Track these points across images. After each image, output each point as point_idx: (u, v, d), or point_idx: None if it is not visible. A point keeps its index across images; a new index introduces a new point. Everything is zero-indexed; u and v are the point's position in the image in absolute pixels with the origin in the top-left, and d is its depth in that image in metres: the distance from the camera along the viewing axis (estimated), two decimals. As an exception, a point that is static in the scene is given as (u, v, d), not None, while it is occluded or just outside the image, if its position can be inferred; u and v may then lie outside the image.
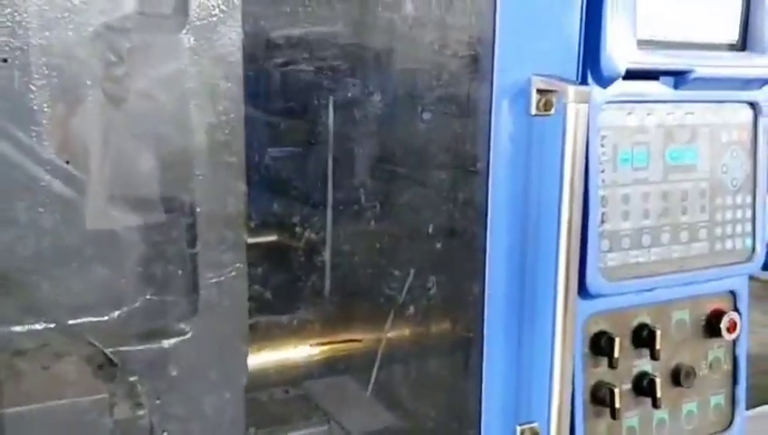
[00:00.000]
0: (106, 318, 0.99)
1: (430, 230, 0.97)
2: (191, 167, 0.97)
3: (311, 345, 1.15)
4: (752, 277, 1.96)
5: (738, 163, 1.17)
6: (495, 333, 1.00)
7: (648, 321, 1.13)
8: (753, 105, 1.17)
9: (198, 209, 0.99)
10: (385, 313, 0.97)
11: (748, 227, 1.19)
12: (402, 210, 0.99)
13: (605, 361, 1.10)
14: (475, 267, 0.98)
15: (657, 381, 1.13)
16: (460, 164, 0.95)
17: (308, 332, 1.11)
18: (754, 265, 1.20)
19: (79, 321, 0.97)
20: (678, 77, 1.08)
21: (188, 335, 0.99)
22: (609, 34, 0.99)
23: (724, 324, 1.18)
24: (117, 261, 0.99)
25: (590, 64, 1.01)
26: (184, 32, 0.94)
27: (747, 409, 1.26)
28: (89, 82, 0.91)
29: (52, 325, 0.95)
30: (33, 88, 0.89)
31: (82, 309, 0.96)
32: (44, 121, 0.91)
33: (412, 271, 0.96)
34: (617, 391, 1.10)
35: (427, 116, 0.93)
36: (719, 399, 1.23)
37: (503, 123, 0.95)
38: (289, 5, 0.95)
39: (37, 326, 0.95)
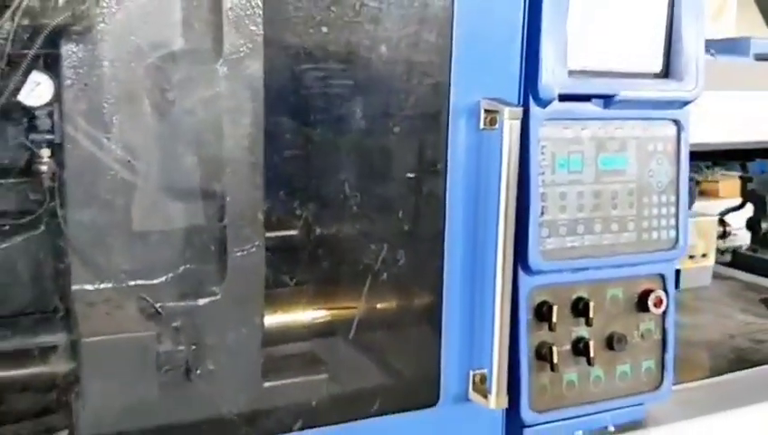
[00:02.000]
0: (155, 281, 1.31)
1: (400, 215, 1.27)
2: (223, 165, 1.28)
3: (314, 310, 1.44)
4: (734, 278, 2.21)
5: (663, 169, 1.44)
6: (453, 298, 1.29)
7: (585, 295, 1.41)
8: (676, 122, 1.44)
9: (228, 198, 1.29)
10: (364, 281, 1.28)
11: (672, 222, 1.45)
12: (378, 201, 1.29)
13: (546, 326, 1.38)
14: (437, 246, 1.27)
15: (591, 343, 1.40)
16: (425, 166, 1.25)
17: (311, 299, 1.41)
18: (678, 253, 1.46)
19: (135, 283, 1.28)
20: (606, 99, 1.35)
21: (218, 297, 1.29)
22: (543, 66, 1.28)
23: (651, 300, 1.45)
24: (165, 237, 1.30)
25: (531, 89, 1.30)
26: (219, 64, 1.24)
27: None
28: (148, 102, 1.23)
29: (115, 285, 1.26)
30: (106, 106, 1.21)
31: (138, 274, 1.28)
32: (114, 130, 1.23)
33: (385, 247, 1.26)
34: (555, 349, 1.37)
35: (397, 129, 1.23)
36: (650, 363, 1.49)
37: (458, 136, 1.25)
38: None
39: (104, 286, 1.26)
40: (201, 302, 1.29)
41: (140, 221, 1.28)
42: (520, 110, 1.19)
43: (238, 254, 1.28)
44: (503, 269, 1.23)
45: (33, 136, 1.25)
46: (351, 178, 1.24)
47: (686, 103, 1.42)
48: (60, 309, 1.26)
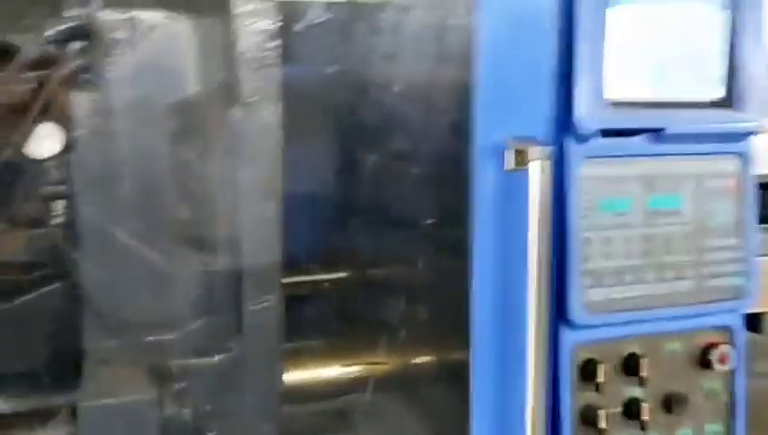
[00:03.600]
0: (171, 337, 1.25)
1: (420, 266, 1.16)
2: (239, 214, 1.21)
3: (341, 365, 1.35)
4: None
5: (725, 209, 1.28)
6: (483, 358, 1.17)
7: (637, 351, 1.26)
8: (739, 155, 1.29)
9: (244, 248, 1.22)
10: (381, 337, 1.18)
11: (738, 267, 1.29)
12: (398, 251, 1.19)
13: (593, 386, 1.24)
14: (463, 300, 1.16)
15: (644, 405, 1.25)
16: (447, 211, 1.14)
17: (328, 356, 1.32)
18: (745, 303, 1.30)
19: (149, 338, 1.22)
20: (654, 134, 1.22)
21: (233, 353, 1.22)
22: (578, 100, 1.16)
23: (714, 356, 1.29)
24: (180, 292, 1.24)
25: (567, 126, 1.18)
26: (236, 106, 1.18)
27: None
28: (161, 150, 1.19)
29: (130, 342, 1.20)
30: (118, 155, 1.17)
31: (153, 328, 1.22)
32: (126, 179, 1.18)
33: (404, 300, 1.16)
34: (601, 412, 1.23)
35: (416, 172, 1.13)
36: (717, 427, 1.33)
37: (484, 179, 1.14)
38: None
39: (117, 343, 1.21)
40: (216, 358, 1.21)
41: (155, 277, 1.23)
42: (548, 149, 1.08)
43: (252, 308, 1.20)
44: (536, 324, 1.11)
45: (44, 189, 1.21)
46: (364, 230, 1.14)
47: (749, 134, 1.26)
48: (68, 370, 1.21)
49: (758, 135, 1.26)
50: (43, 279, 1.22)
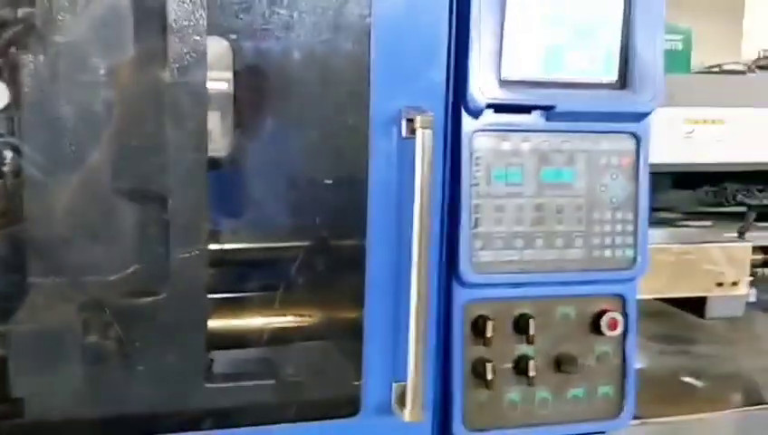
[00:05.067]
0: (110, 278, 1.37)
1: (319, 223, 1.28)
2: (168, 169, 1.33)
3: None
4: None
5: (619, 184, 1.38)
6: (375, 309, 1.29)
7: (528, 312, 1.36)
8: (633, 135, 1.38)
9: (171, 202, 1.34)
10: (285, 290, 1.30)
11: (629, 240, 1.39)
12: (301, 210, 1.31)
13: (483, 341, 1.35)
14: (358, 256, 1.27)
15: (532, 362, 1.35)
16: (347, 174, 1.26)
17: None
18: (635, 273, 1.39)
19: (90, 278, 1.35)
20: (547, 111, 1.32)
21: (162, 296, 1.35)
22: (473, 75, 1.26)
23: (604, 322, 1.39)
24: (114, 238, 1.37)
25: (462, 99, 1.28)
26: (165, 71, 1.29)
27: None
28: (99, 108, 1.31)
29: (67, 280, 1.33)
30: (61, 112, 1.29)
31: (94, 271, 1.35)
32: (67, 133, 1.31)
33: (304, 255, 1.28)
34: (489, 365, 1.34)
35: (317, 137, 1.25)
36: (607, 389, 1.42)
37: (379, 144, 1.25)
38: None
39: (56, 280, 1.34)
40: (145, 300, 1.34)
41: (93, 221, 1.36)
42: (431, 117, 1.18)
43: (180, 256, 1.32)
44: (417, 278, 1.21)
45: (-3, 139, 1.35)
46: (272, 184, 1.26)
47: (643, 116, 1.35)
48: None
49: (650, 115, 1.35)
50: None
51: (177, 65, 1.29)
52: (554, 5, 1.29)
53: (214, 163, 1.41)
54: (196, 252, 1.35)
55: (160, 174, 1.33)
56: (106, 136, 1.34)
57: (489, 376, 1.32)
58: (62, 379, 1.29)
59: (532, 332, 1.33)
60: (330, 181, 1.24)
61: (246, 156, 1.32)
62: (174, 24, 1.28)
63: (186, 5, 1.28)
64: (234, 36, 1.22)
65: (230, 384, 1.38)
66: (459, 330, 1.33)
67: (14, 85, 1.31)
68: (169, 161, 1.32)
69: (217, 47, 1.40)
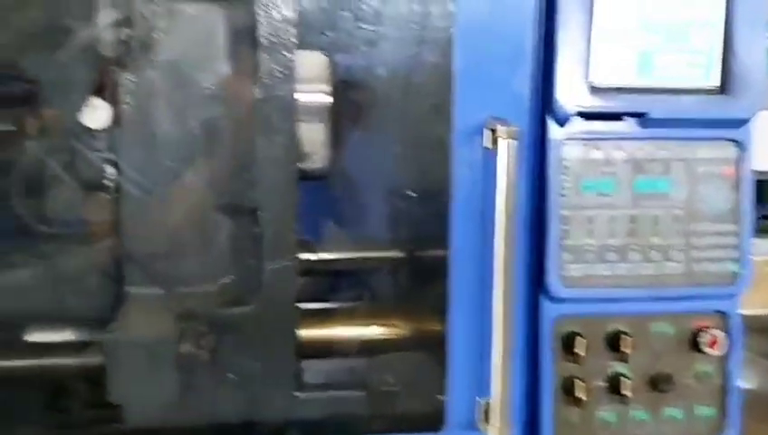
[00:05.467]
0: (204, 288, 1.42)
1: (402, 233, 1.28)
2: (260, 182, 1.37)
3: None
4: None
5: (720, 194, 1.31)
6: (459, 323, 1.27)
7: (622, 328, 1.31)
8: (735, 142, 1.30)
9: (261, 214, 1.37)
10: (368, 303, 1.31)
11: (731, 253, 1.31)
12: (387, 221, 1.31)
13: (575, 358, 1.30)
14: (441, 269, 1.26)
15: (626, 381, 1.30)
16: (428, 186, 1.25)
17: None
18: (737, 288, 1.32)
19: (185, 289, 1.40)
20: (641, 118, 1.26)
21: (252, 306, 1.38)
22: (559, 83, 1.23)
23: (704, 340, 1.32)
24: (209, 249, 1.41)
25: (548, 107, 1.25)
26: (256, 87, 1.33)
27: None
28: (196, 124, 1.36)
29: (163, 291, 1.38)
30: (159, 129, 1.35)
31: (188, 282, 1.39)
32: (165, 150, 1.36)
33: (389, 268, 1.28)
34: (580, 383, 1.29)
35: (400, 150, 1.25)
36: (708, 410, 1.35)
37: (463, 156, 1.24)
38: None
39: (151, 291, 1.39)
40: (237, 310, 1.37)
41: (188, 233, 1.40)
42: (515, 128, 1.15)
43: (271, 268, 1.35)
44: (501, 292, 1.19)
45: (99, 154, 1.42)
46: (362, 195, 1.27)
47: (745, 121, 1.28)
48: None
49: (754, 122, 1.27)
50: (95, 233, 1.43)
51: (267, 81, 1.32)
52: (647, 8, 1.24)
53: (310, 174, 1.44)
54: (286, 263, 1.36)
55: (252, 187, 1.36)
56: (200, 151, 1.38)
57: (580, 394, 1.27)
58: (156, 387, 1.33)
59: (626, 349, 1.28)
60: (415, 193, 1.23)
61: (341, 168, 1.32)
62: (264, 41, 1.31)
63: (275, 23, 1.30)
64: (326, 50, 1.23)
65: (320, 394, 1.39)
66: (548, 346, 1.29)
67: (114, 104, 1.37)
68: (260, 175, 1.35)
69: (315, 61, 1.43)
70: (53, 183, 1.45)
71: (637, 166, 1.27)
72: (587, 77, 1.23)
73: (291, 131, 1.36)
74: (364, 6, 1.20)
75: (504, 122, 1.17)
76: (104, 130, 1.39)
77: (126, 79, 1.34)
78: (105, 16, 1.35)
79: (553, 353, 1.29)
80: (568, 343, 1.29)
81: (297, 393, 1.39)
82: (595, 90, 1.23)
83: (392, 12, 1.19)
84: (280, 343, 1.38)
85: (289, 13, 1.29)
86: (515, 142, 1.15)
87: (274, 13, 1.30)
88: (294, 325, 1.39)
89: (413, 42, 1.20)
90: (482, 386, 1.27)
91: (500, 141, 1.16)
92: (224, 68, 1.37)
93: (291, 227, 1.36)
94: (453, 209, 1.22)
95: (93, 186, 1.42)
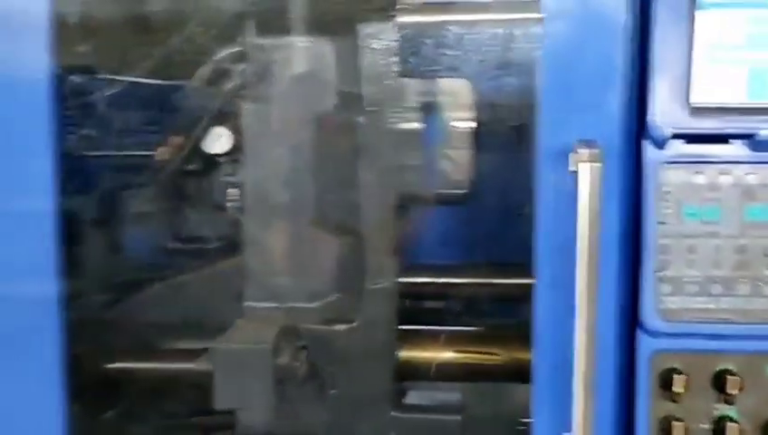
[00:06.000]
0: (312, 305, 1.49)
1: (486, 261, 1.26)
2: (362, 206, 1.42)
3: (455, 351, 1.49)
4: None
5: None
6: (544, 354, 1.23)
7: (731, 367, 1.21)
8: None
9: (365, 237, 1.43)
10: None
11: None
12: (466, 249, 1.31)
13: (673, 397, 1.22)
14: (526, 295, 1.23)
15: (733, 425, 1.19)
16: (513, 207, 1.23)
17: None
18: None
19: (292, 305, 1.48)
20: (751, 140, 1.17)
21: (355, 324, 1.43)
22: (654, 103, 1.17)
23: (829, 386, 1.18)
24: (319, 269, 1.48)
25: (644, 129, 1.19)
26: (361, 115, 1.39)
27: None
28: (307, 151, 1.44)
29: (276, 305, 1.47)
30: (275, 155, 1.44)
31: (296, 299, 1.47)
32: (280, 175, 1.46)
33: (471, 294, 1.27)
34: (679, 424, 1.20)
35: (485, 172, 1.24)
36: (836, 466, 1.20)
37: (548, 179, 1.21)
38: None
39: (265, 305, 1.48)
40: (341, 327, 1.41)
41: (305, 258, 1.48)
42: (597, 151, 1.11)
43: (372, 287, 1.39)
44: (583, 323, 1.14)
45: (223, 178, 1.54)
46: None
47: None
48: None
49: None
50: (219, 250, 1.54)
51: (370, 108, 1.36)
52: (756, 24, 1.14)
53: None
54: (386, 285, 1.39)
55: (355, 210, 1.41)
56: (311, 175, 1.45)
57: (676, 437, 1.18)
58: (260, 396, 1.40)
59: (733, 390, 1.17)
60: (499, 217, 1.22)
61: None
62: (367, 71, 1.36)
63: (377, 53, 1.35)
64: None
65: (417, 416, 1.40)
66: (645, 383, 1.21)
67: (235, 131, 1.47)
68: (362, 199, 1.39)
69: (457, 87, 1.46)
70: (184, 204, 1.59)
71: (747, 192, 1.17)
72: (687, 97, 1.15)
73: (391, 157, 1.39)
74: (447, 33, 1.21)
75: (587, 145, 1.13)
76: (226, 154, 1.50)
77: (244, 108, 1.45)
78: (226, 50, 1.46)
79: (650, 391, 1.21)
80: (666, 380, 1.21)
81: (395, 413, 1.40)
82: (697, 110, 1.16)
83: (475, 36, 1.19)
84: (380, 362, 1.41)
85: (389, 43, 1.33)
86: (598, 165, 1.11)
87: (375, 44, 1.35)
88: (394, 346, 1.41)
89: (496, 65, 1.20)
90: (566, 421, 1.21)
91: (581, 164, 1.11)
92: (331, 96, 1.44)
93: (390, 250, 1.39)
94: (538, 235, 1.19)
95: (218, 207, 1.54)
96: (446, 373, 1.44)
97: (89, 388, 1.45)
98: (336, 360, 1.44)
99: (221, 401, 1.36)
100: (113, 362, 1.56)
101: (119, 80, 1.51)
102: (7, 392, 1.36)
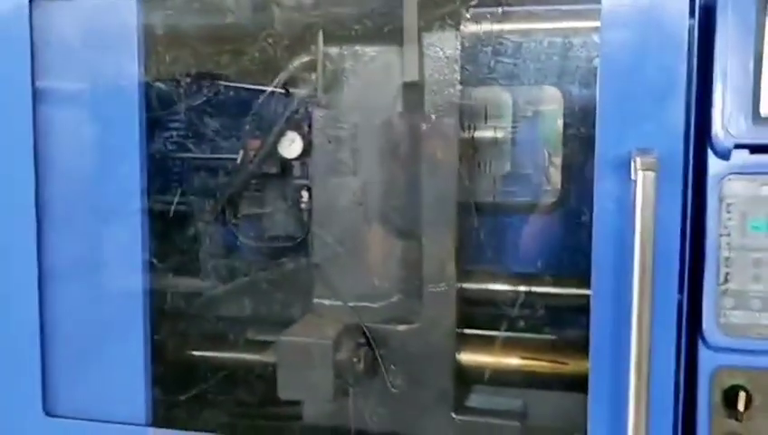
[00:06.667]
0: (374, 305, 1.53)
1: (540, 267, 1.26)
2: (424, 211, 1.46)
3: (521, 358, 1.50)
4: None
5: None
6: (601, 364, 1.22)
7: (800, 388, 1.17)
8: None
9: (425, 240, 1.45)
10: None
11: None
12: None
13: (736, 415, 1.19)
14: (583, 304, 1.23)
15: (800, 449, 1.15)
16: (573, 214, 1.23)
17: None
18: None
19: (356, 304, 1.52)
20: (821, 151, 1.13)
21: (415, 325, 1.46)
22: (717, 113, 1.14)
23: None
24: (382, 270, 1.52)
25: (707, 140, 1.17)
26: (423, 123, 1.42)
27: None
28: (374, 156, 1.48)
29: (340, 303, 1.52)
30: (344, 159, 1.49)
31: (360, 298, 1.52)
32: (349, 178, 1.51)
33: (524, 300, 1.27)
34: (740, 442, 1.17)
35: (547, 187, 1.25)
36: None
37: (606, 188, 1.20)
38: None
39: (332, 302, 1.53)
40: (402, 327, 1.45)
41: (370, 262, 1.53)
42: (652, 159, 1.10)
43: (432, 290, 1.42)
44: (637, 335, 1.13)
45: (294, 181, 1.61)
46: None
47: None
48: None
49: None
50: (290, 250, 1.61)
51: (433, 115, 1.39)
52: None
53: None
54: (445, 288, 1.42)
55: (417, 214, 1.44)
56: (376, 179, 1.49)
57: (741, 456, 1.15)
58: (320, 389, 1.45)
59: (800, 412, 1.13)
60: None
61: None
62: (430, 79, 1.39)
63: (440, 61, 1.38)
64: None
65: (477, 418, 1.42)
66: (706, 399, 1.19)
67: (304, 137, 1.53)
68: (424, 203, 1.42)
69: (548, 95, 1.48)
70: (261, 205, 1.66)
71: (819, 205, 1.13)
72: (752, 106, 1.12)
73: (451, 163, 1.41)
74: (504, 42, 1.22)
75: (646, 153, 1.12)
76: (297, 159, 1.56)
77: (314, 114, 1.50)
78: (299, 59, 1.52)
79: (712, 407, 1.18)
80: (730, 397, 1.17)
81: (455, 415, 1.42)
82: (763, 120, 1.12)
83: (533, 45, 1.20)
84: (440, 364, 1.43)
85: (451, 51, 1.35)
86: (652, 174, 1.09)
87: (438, 52, 1.37)
88: (453, 348, 1.43)
89: (554, 74, 1.20)
90: (625, 432, 1.20)
91: (638, 173, 1.10)
92: (396, 104, 1.47)
93: (450, 255, 1.41)
94: (596, 244, 1.18)
95: (292, 208, 1.60)
96: (509, 379, 1.45)
97: (169, 373, 1.54)
98: (396, 359, 1.46)
99: (284, 392, 1.41)
100: (194, 350, 1.64)
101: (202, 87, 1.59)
102: (99, 375, 1.46)
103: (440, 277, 1.42)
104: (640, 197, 1.11)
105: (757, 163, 1.14)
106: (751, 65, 1.12)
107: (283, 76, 1.54)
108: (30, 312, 1.46)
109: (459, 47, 1.36)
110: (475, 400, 1.43)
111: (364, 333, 1.46)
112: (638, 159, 1.11)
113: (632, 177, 1.15)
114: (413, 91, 1.42)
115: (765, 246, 1.14)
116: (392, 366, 1.46)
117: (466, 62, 1.33)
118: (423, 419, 1.44)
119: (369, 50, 1.46)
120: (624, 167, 1.16)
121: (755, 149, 1.13)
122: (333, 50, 1.47)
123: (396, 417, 1.44)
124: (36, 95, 1.43)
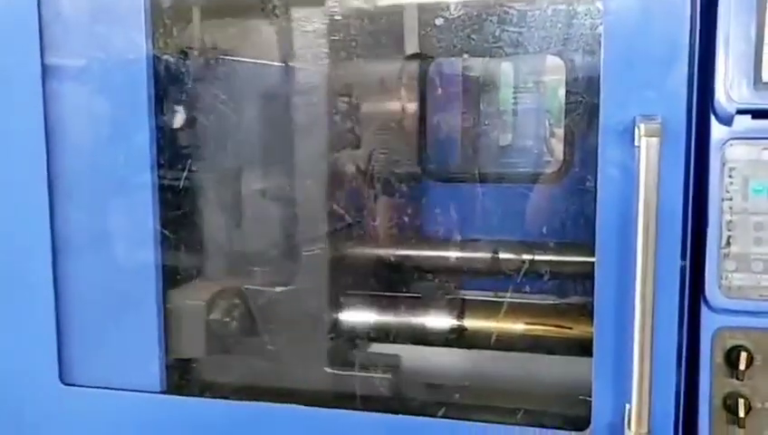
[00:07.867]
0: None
1: (544, 231, 1.29)
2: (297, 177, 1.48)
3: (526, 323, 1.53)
4: None
5: None
6: (606, 326, 1.25)
7: (800, 348, 1.20)
8: None
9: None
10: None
11: None
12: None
13: (738, 374, 1.22)
14: (587, 269, 1.26)
15: (800, 406, 1.18)
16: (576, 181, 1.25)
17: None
18: None
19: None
20: (823, 116, 1.14)
21: (292, 287, 1.49)
22: (719, 79, 1.16)
23: None
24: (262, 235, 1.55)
25: (710, 105, 1.19)
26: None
27: None
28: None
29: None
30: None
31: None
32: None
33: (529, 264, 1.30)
34: (743, 401, 1.20)
35: (546, 152, 1.27)
36: None
37: (610, 153, 1.22)
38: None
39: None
40: (279, 289, 1.52)
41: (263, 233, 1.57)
42: (656, 126, 1.12)
43: (306, 254, 1.49)
44: (641, 297, 1.16)
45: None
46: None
47: None
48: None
49: None
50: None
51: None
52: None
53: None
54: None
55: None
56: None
57: (742, 414, 1.19)
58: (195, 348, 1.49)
59: (799, 371, 1.16)
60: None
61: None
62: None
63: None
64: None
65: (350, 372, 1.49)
66: (708, 359, 1.22)
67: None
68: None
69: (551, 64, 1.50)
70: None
71: (820, 169, 1.15)
72: (754, 72, 1.14)
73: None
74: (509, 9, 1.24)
75: (649, 119, 1.13)
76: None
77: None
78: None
79: (714, 367, 1.21)
80: (731, 357, 1.20)
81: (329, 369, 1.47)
82: (765, 85, 1.14)
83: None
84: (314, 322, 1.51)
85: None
86: (656, 140, 1.11)
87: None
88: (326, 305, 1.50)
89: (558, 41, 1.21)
90: (628, 391, 1.23)
91: (642, 139, 1.12)
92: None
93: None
94: (600, 211, 1.20)
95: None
96: (506, 342, 1.48)
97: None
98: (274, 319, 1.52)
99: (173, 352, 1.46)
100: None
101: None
102: (114, 344, 1.50)
103: (313, 241, 1.46)
104: (644, 162, 1.13)
105: (759, 128, 1.15)
106: (753, 31, 1.13)
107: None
108: (45, 283, 1.48)
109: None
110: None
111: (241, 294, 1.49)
112: (641, 126, 1.12)
113: (636, 143, 1.17)
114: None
115: (766, 210, 1.16)
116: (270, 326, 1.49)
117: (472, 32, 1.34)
118: (297, 373, 1.47)
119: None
120: (627, 133, 1.18)
121: (757, 114, 1.15)
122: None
123: (275, 371, 1.48)
124: (45, 70, 1.45)
